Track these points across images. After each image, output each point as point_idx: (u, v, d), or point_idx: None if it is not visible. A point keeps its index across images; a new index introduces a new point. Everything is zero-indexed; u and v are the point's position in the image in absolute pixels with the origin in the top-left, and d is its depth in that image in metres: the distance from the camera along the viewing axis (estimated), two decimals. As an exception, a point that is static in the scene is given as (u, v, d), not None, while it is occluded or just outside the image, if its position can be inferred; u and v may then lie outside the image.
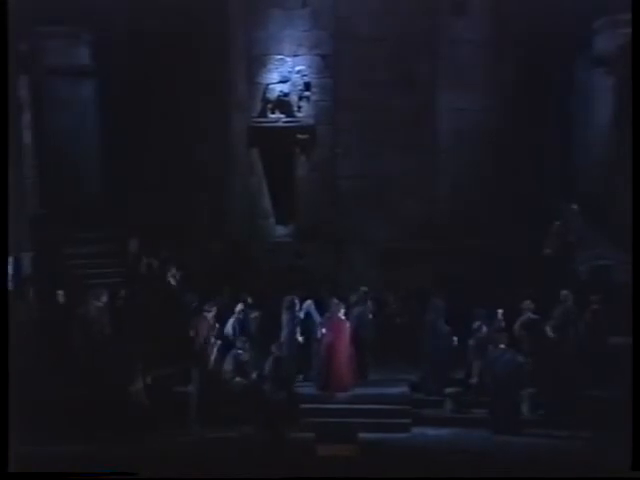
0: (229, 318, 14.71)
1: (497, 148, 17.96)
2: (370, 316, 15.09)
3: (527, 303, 14.49)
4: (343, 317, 14.36)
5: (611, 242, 18.02)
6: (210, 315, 14.43)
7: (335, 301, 14.65)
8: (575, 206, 18.82)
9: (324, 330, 14.34)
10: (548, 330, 13.99)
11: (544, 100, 18.60)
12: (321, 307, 14.95)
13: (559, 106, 18.84)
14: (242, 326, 14.74)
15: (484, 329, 14.19)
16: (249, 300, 15.27)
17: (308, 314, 14.81)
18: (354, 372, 14.33)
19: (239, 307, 14.84)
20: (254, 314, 15.20)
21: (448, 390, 14.13)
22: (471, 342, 14.14)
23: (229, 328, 14.57)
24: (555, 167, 18.96)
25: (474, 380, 13.94)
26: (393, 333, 15.65)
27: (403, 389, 14.33)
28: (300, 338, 14.57)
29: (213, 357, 14.08)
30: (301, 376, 14.62)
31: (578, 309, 14.44)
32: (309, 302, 14.95)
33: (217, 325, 14.48)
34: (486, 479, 11.09)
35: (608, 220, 18.93)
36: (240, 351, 13.86)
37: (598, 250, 17.48)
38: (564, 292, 14.56)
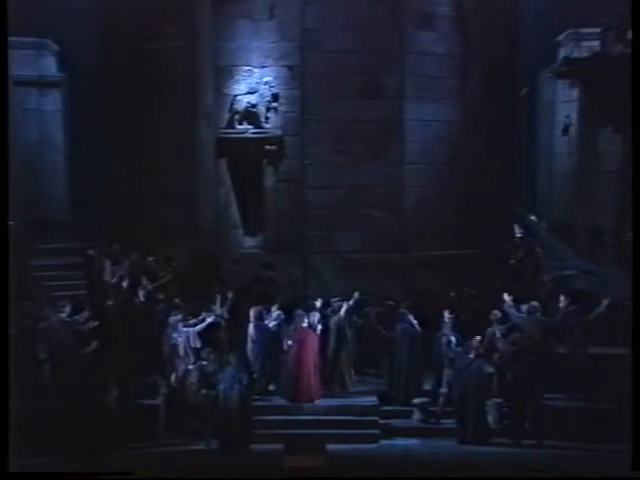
0: (196, 329, 14.53)
1: (463, 159, 18.05)
2: (350, 326, 15.09)
3: (495, 313, 14.49)
4: (309, 327, 14.33)
5: (574, 252, 18.22)
6: (177, 326, 14.29)
7: (299, 312, 14.63)
8: (534, 217, 19.02)
9: (290, 341, 14.30)
10: (514, 339, 13.98)
11: (509, 112, 18.77)
12: (289, 318, 14.84)
13: (524, 118, 19.02)
14: (209, 337, 14.62)
15: (452, 339, 14.18)
16: (217, 311, 15.17)
17: (277, 325, 14.72)
18: (320, 382, 14.27)
19: (206, 318, 14.73)
20: (222, 325, 15.10)
21: (416, 400, 14.12)
22: (440, 352, 14.09)
23: (195, 339, 14.41)
24: (520, 178, 19.14)
25: (444, 390, 13.89)
26: (366, 344, 15.62)
27: (372, 400, 14.29)
28: (266, 349, 14.48)
29: (180, 369, 13.91)
30: (271, 387, 14.55)
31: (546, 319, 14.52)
32: (277, 313, 14.89)
33: (184, 336, 14.29)
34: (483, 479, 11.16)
35: (572, 230, 19.16)
36: (205, 362, 13.72)
37: (562, 261, 17.66)
38: (533, 303, 14.65)
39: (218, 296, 15.38)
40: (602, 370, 13.90)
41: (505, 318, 14.41)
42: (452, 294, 15.99)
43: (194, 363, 13.95)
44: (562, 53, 18.94)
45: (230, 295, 15.51)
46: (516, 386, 13.37)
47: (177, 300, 15.11)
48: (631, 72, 11.55)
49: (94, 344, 13.71)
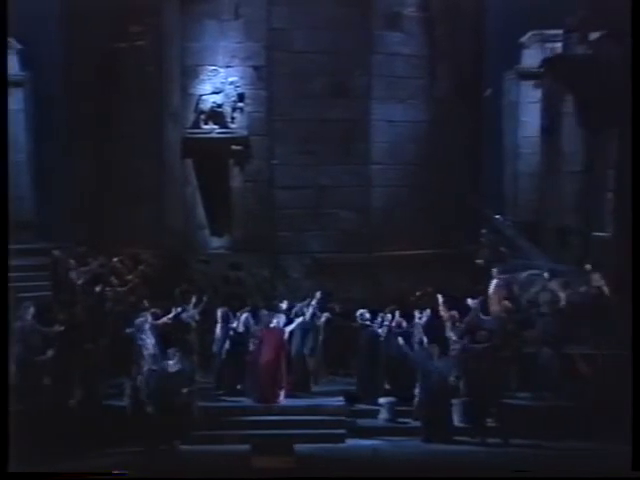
0: (163, 329, 14.57)
1: (430, 160, 18.20)
2: (320, 324, 15.20)
3: (452, 314, 14.57)
4: (275, 328, 14.38)
5: (540, 251, 18.46)
6: (144, 327, 14.27)
7: (265, 312, 14.70)
8: (500, 216, 19.22)
9: (255, 342, 14.36)
10: (482, 338, 14.16)
11: (476, 113, 18.99)
12: (257, 319, 14.87)
13: (490, 118, 19.23)
14: (177, 338, 14.61)
15: (424, 339, 14.31)
16: (188, 312, 15.20)
17: (244, 326, 14.73)
18: (283, 382, 14.30)
19: (173, 318, 14.78)
20: (191, 326, 15.12)
21: (382, 400, 14.20)
22: (408, 352, 14.23)
23: (159, 340, 14.38)
24: (487, 178, 19.34)
25: (417, 390, 13.88)
26: (334, 343, 15.67)
27: (339, 400, 14.35)
28: (232, 349, 14.53)
29: (146, 369, 13.86)
30: (238, 387, 14.57)
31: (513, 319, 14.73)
32: (245, 314, 14.88)
33: (150, 337, 14.29)
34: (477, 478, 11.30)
35: (537, 230, 19.41)
36: (171, 362, 13.66)
37: (528, 260, 17.87)
38: (505, 303, 14.81)
39: (193, 297, 15.40)
40: (567, 368, 14.10)
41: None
42: (418, 293, 16.12)
43: (160, 364, 13.89)
44: (526, 55, 19.23)
45: (205, 298, 15.53)
46: (478, 384, 13.48)
47: (144, 301, 15.06)
48: (631, 71, 11.72)
49: (50, 352, 13.59)
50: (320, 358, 15.34)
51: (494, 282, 15.98)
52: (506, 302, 15.23)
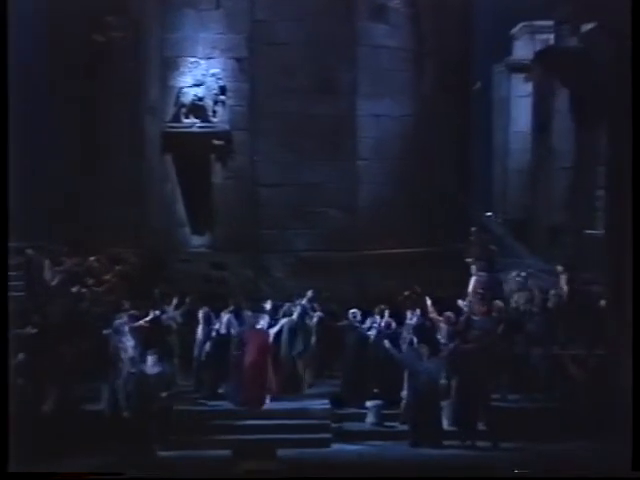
0: (142, 332, 14.20)
1: (418, 156, 17.89)
2: (312, 324, 14.98)
3: (447, 315, 14.43)
4: (259, 329, 14.09)
5: (530, 250, 18.26)
6: (123, 329, 13.89)
7: (249, 314, 14.45)
8: (490, 214, 19.02)
9: (239, 344, 14.07)
10: (473, 338, 13.87)
11: (464, 108, 18.70)
12: (240, 320, 14.61)
13: (479, 113, 18.97)
14: (155, 340, 14.21)
15: (414, 340, 14.04)
16: (169, 313, 15.01)
17: (227, 328, 14.44)
18: (269, 385, 14.02)
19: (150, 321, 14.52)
20: (172, 328, 14.91)
21: (369, 403, 13.90)
22: (395, 354, 13.88)
23: (139, 343, 13.98)
24: (475, 174, 19.10)
25: (405, 392, 13.58)
26: (324, 344, 15.36)
27: (324, 403, 14.06)
28: (214, 352, 14.25)
29: (124, 372, 13.49)
30: (220, 391, 14.31)
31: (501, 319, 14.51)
32: (227, 316, 14.58)
33: (130, 339, 13.88)
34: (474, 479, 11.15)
35: (528, 228, 19.19)
36: (150, 365, 13.25)
37: (518, 259, 17.70)
38: (497, 302, 14.57)
39: (174, 298, 15.21)
40: (557, 369, 13.88)
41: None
42: (406, 293, 15.86)
43: (139, 366, 13.51)
44: (516, 47, 19.01)
45: (188, 299, 15.31)
46: (467, 385, 13.17)
47: (125, 302, 14.78)
48: (631, 71, 11.45)
49: (21, 356, 13.17)
50: (310, 360, 15.06)
51: (473, 279, 15.69)
52: (498, 302, 15.03)
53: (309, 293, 15.43)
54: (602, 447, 12.00)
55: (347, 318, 14.66)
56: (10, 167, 18.17)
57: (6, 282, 10.30)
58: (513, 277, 16.44)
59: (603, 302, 14.45)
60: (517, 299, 15.27)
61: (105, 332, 13.95)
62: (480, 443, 13.10)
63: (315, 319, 15.25)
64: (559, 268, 15.76)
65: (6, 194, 9.54)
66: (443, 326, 14.30)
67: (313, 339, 15.10)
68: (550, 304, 14.97)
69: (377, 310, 14.75)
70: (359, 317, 14.56)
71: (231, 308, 14.83)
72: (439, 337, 14.14)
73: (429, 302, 14.77)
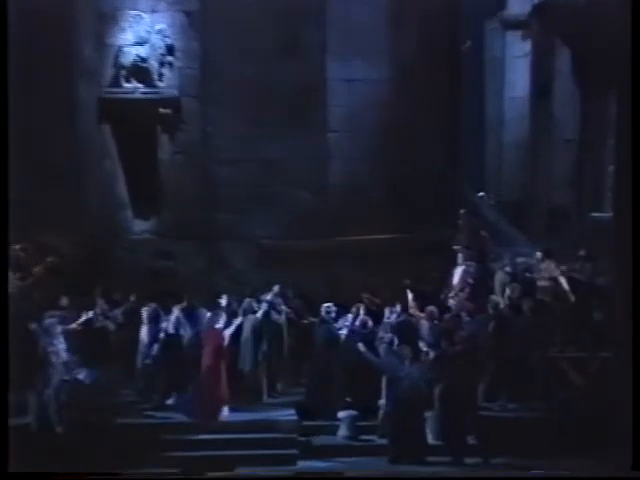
0: (76, 333, 14.28)
1: (397, 127, 18.00)
2: (281, 322, 15.22)
3: (430, 310, 14.70)
4: (215, 329, 14.17)
5: (527, 236, 18.48)
6: (55, 330, 13.91)
7: (204, 311, 14.58)
8: (482, 194, 19.20)
9: (191, 346, 14.30)
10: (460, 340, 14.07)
11: (451, 70, 18.81)
12: (192, 318, 14.79)
13: (468, 76, 19.09)
14: (92, 343, 14.37)
15: (395, 340, 14.21)
16: (101, 310, 15.07)
17: (176, 327, 14.61)
18: (229, 395, 14.12)
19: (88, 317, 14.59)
20: (109, 329, 15.01)
21: (341, 414, 14.05)
22: (371, 357, 14.03)
23: (72, 346, 14.07)
24: (465, 147, 19.24)
25: (382, 401, 13.79)
26: (291, 346, 15.63)
27: (290, 414, 14.23)
28: (162, 355, 14.39)
29: (55, 380, 13.57)
30: (169, 401, 14.47)
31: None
32: (176, 313, 14.71)
33: (62, 342, 13.94)
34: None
35: (525, 211, 19.40)
36: (86, 372, 13.57)
37: (513, 247, 17.90)
38: (493, 297, 14.77)
39: (114, 294, 15.36)
40: (555, 374, 14.18)
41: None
42: (384, 287, 16.07)
43: (72, 373, 13.67)
44: (511, 0, 19.19)
45: (132, 297, 15.45)
46: (454, 393, 13.36)
47: (59, 299, 14.84)
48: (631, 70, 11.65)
49: None
50: (277, 364, 15.28)
51: (460, 270, 15.92)
52: (493, 297, 15.25)
53: (275, 288, 15.57)
54: (602, 465, 12.24)
55: (319, 314, 14.80)
56: None
57: (6, 283, 10.66)
58: (504, 267, 16.62)
59: (609, 297, 14.67)
60: (509, 293, 15.43)
61: (32, 328, 13.92)
62: (469, 459, 13.25)
63: (283, 317, 15.44)
64: (559, 257, 15.97)
65: (6, 194, 9.76)
66: (425, 323, 14.48)
67: (281, 340, 15.33)
68: (548, 299, 15.13)
69: (352, 307, 14.93)
70: (334, 313, 14.69)
71: (181, 305, 14.94)
72: (422, 336, 14.30)
73: (410, 296, 14.92)
